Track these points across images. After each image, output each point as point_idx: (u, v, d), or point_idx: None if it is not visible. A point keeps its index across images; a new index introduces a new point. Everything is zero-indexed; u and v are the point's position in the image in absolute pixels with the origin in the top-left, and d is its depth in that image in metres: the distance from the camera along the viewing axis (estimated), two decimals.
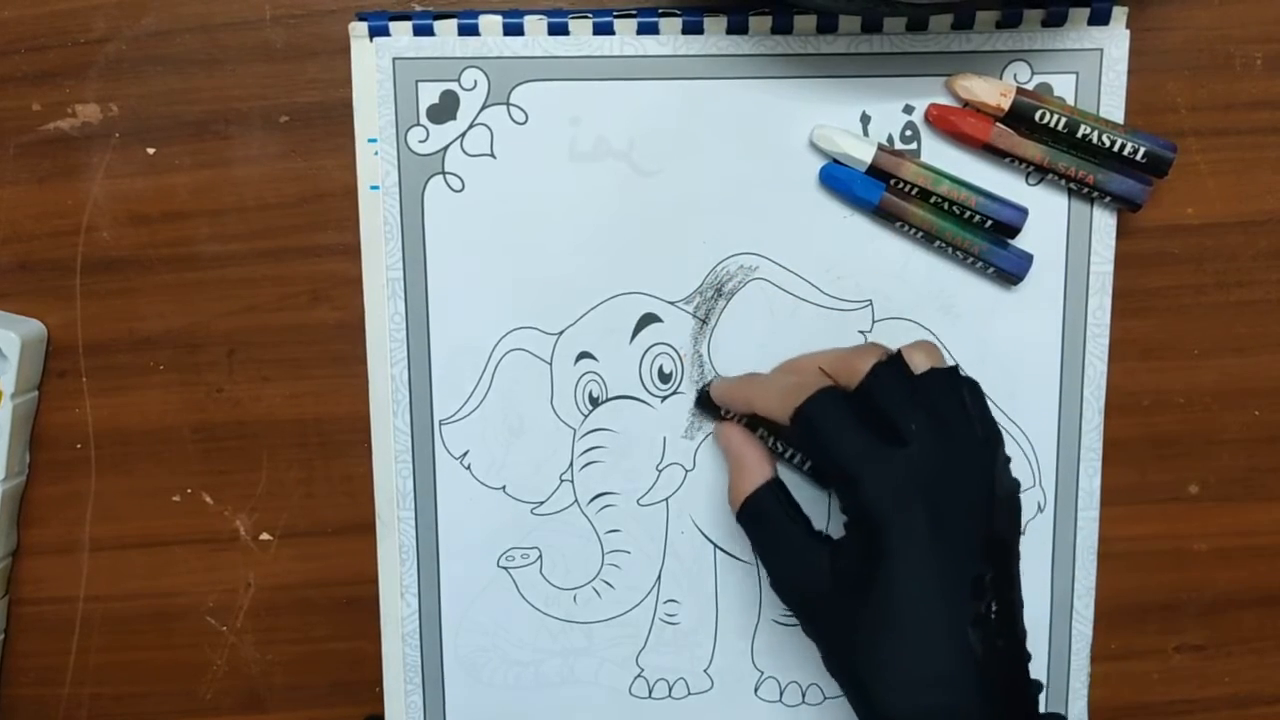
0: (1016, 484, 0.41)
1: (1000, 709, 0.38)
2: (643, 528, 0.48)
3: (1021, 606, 0.41)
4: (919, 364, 0.41)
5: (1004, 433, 0.41)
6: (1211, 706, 0.52)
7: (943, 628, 0.38)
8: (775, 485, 0.44)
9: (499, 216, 0.46)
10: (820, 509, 0.48)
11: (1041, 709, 0.43)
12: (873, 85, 0.45)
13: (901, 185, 0.45)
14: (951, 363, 0.42)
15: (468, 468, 0.48)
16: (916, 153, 0.46)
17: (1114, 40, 0.45)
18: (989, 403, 0.42)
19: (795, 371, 0.44)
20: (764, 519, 0.43)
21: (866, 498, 0.39)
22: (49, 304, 0.47)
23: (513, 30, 0.45)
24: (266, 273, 0.47)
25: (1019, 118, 0.45)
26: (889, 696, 0.38)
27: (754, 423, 0.46)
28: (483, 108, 0.45)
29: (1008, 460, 0.41)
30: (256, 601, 0.50)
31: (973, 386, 0.41)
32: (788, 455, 0.47)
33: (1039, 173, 0.46)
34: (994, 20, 0.45)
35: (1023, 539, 0.48)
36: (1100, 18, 0.45)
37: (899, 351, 0.41)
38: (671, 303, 0.47)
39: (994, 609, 0.38)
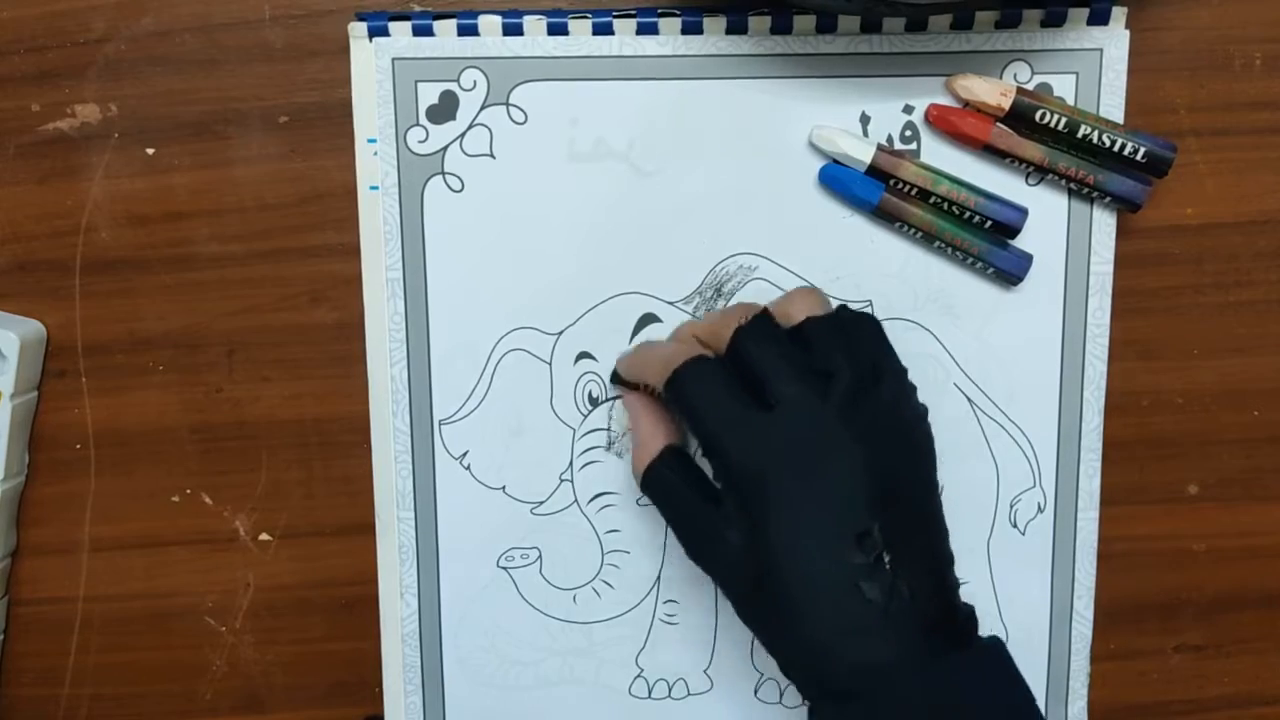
0: (922, 412, 0.40)
1: (922, 649, 0.37)
2: (642, 528, 0.48)
3: (936, 537, 0.40)
4: (794, 315, 0.41)
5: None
6: (1210, 707, 0.52)
7: (831, 587, 0.37)
8: (671, 454, 0.42)
9: (498, 217, 0.46)
10: None
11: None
12: (872, 85, 0.45)
13: (901, 185, 0.45)
14: (832, 306, 0.41)
15: (467, 468, 0.48)
16: (916, 153, 0.46)
17: (1114, 40, 0.45)
18: (886, 338, 0.41)
19: (677, 339, 0.44)
20: (663, 490, 0.42)
21: (731, 468, 0.39)
22: (48, 304, 0.47)
23: (512, 30, 0.45)
24: (266, 273, 0.47)
25: (1019, 118, 0.45)
26: (798, 659, 0.38)
27: None
28: (482, 108, 0.45)
29: (910, 391, 0.40)
30: (256, 602, 0.50)
31: (857, 323, 0.41)
32: None
33: (1039, 173, 0.46)
34: (993, 20, 0.45)
35: (1023, 539, 0.48)
36: (1100, 18, 0.45)
37: (765, 309, 0.41)
38: (671, 303, 0.47)
39: (886, 559, 0.37)
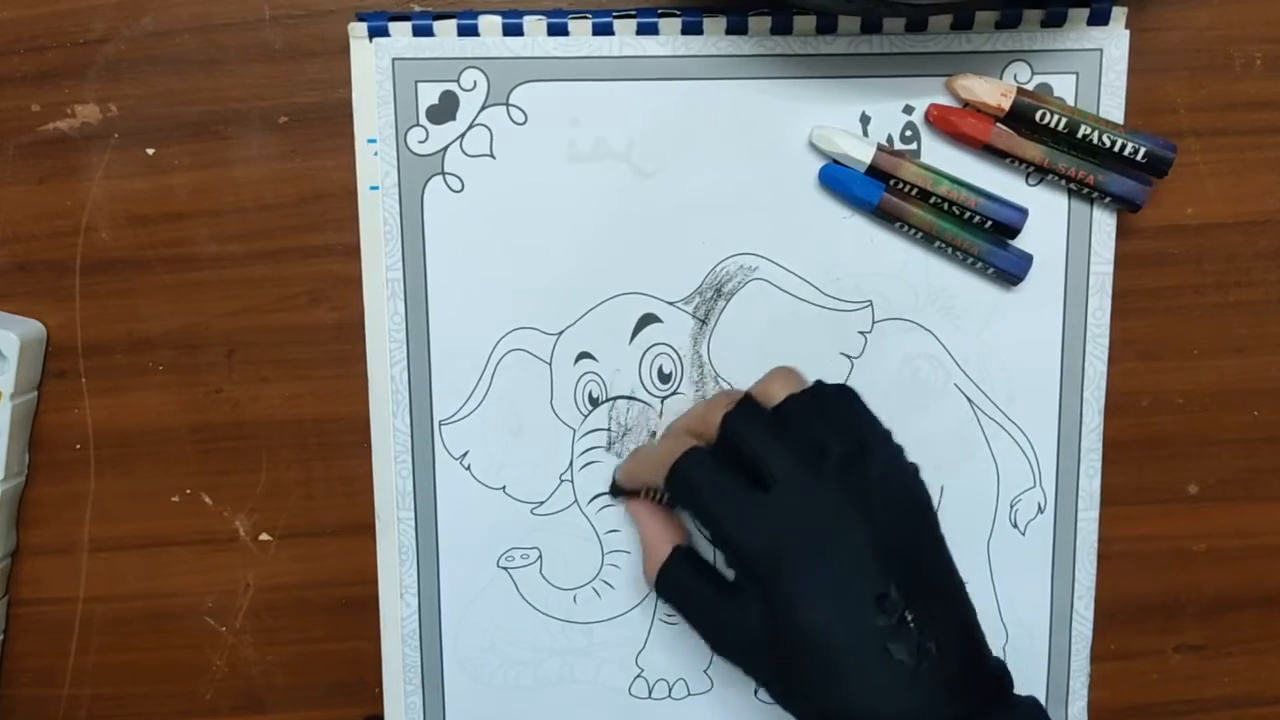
0: (913, 470, 0.41)
1: (958, 708, 0.37)
2: None
3: (957, 597, 0.40)
4: (775, 395, 0.41)
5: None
6: (1211, 707, 0.52)
7: (859, 652, 0.37)
8: (681, 554, 0.44)
9: (498, 217, 0.46)
10: None
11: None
12: (872, 86, 0.45)
13: (901, 186, 0.45)
14: (809, 382, 0.42)
15: (467, 468, 0.48)
16: (916, 153, 0.46)
17: (1114, 40, 0.45)
18: (864, 404, 0.42)
19: (667, 437, 0.45)
20: (678, 591, 0.43)
21: (740, 550, 0.39)
22: (48, 304, 0.47)
23: (512, 31, 0.45)
24: (266, 273, 0.47)
25: (1019, 118, 0.45)
26: None
27: None
28: (482, 108, 0.45)
29: (898, 452, 0.41)
30: (256, 602, 0.50)
31: (837, 396, 0.41)
32: None
33: (1039, 173, 0.46)
34: (994, 20, 0.45)
35: (1023, 539, 0.48)
36: (1100, 18, 0.45)
37: (747, 394, 0.42)
38: (671, 303, 0.47)
39: (909, 618, 0.37)
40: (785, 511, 0.39)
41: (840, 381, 0.43)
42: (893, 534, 0.39)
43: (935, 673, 0.37)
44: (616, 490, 0.48)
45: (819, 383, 0.42)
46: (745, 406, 0.41)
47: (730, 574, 0.42)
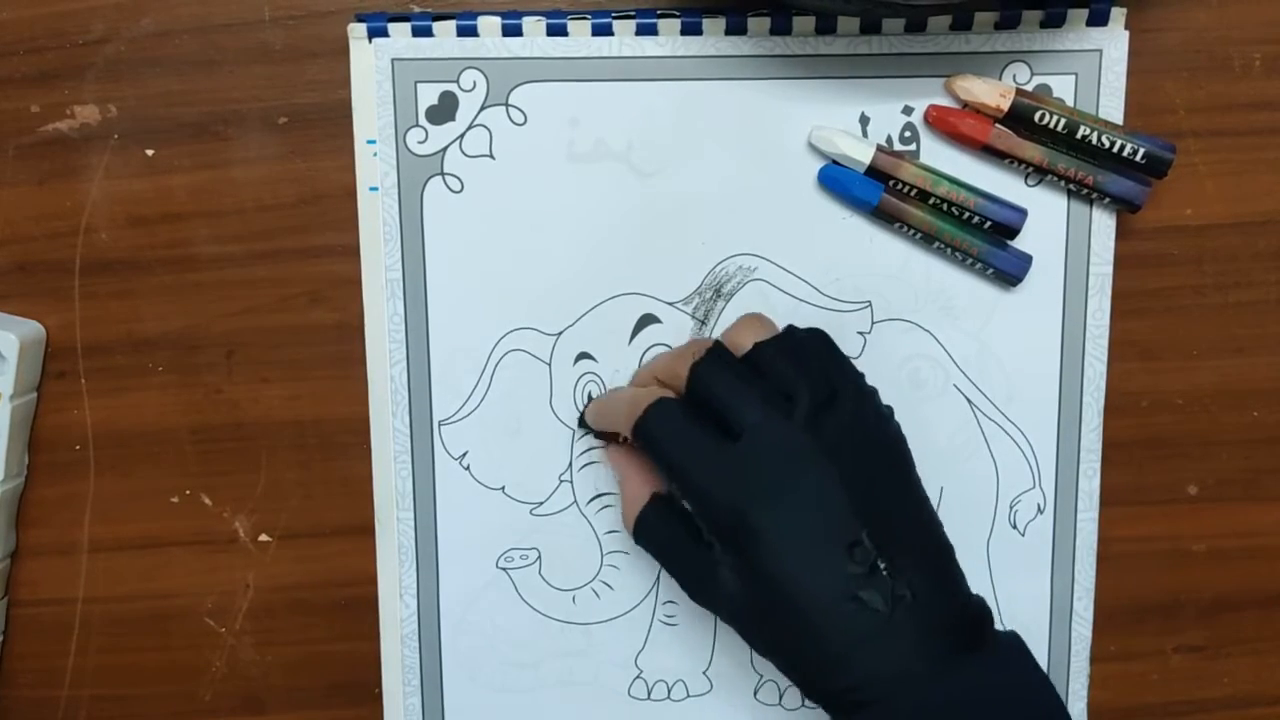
0: (886, 414, 0.41)
1: (938, 651, 0.37)
2: None
3: (929, 532, 0.40)
4: (744, 342, 0.41)
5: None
6: (1210, 707, 0.52)
7: (832, 601, 0.37)
8: (659, 501, 0.43)
9: (498, 217, 0.46)
10: None
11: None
12: (872, 86, 0.45)
13: (900, 186, 0.45)
14: (781, 328, 0.41)
15: (467, 468, 0.48)
16: (915, 154, 0.46)
17: (1113, 41, 0.45)
18: (837, 350, 0.42)
19: (639, 383, 0.44)
20: (655, 538, 0.43)
21: (709, 503, 0.39)
22: (48, 305, 0.47)
23: (511, 31, 0.45)
24: (265, 274, 0.47)
25: (1018, 119, 0.45)
26: (815, 681, 0.38)
27: None
28: (481, 109, 0.45)
29: (871, 395, 0.41)
30: (255, 603, 0.50)
31: (809, 340, 0.41)
32: None
33: (1038, 174, 0.46)
34: (993, 21, 0.45)
35: (1023, 540, 0.48)
36: (1099, 19, 0.45)
37: (716, 341, 0.41)
38: (670, 303, 0.47)
39: (882, 565, 0.37)
40: (754, 461, 0.38)
41: (814, 326, 0.43)
42: (864, 480, 0.38)
43: (911, 619, 0.37)
44: (586, 428, 0.47)
45: (790, 327, 0.42)
46: (713, 354, 0.41)
47: None
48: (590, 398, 0.47)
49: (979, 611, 0.39)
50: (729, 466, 0.39)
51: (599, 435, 0.47)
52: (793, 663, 0.39)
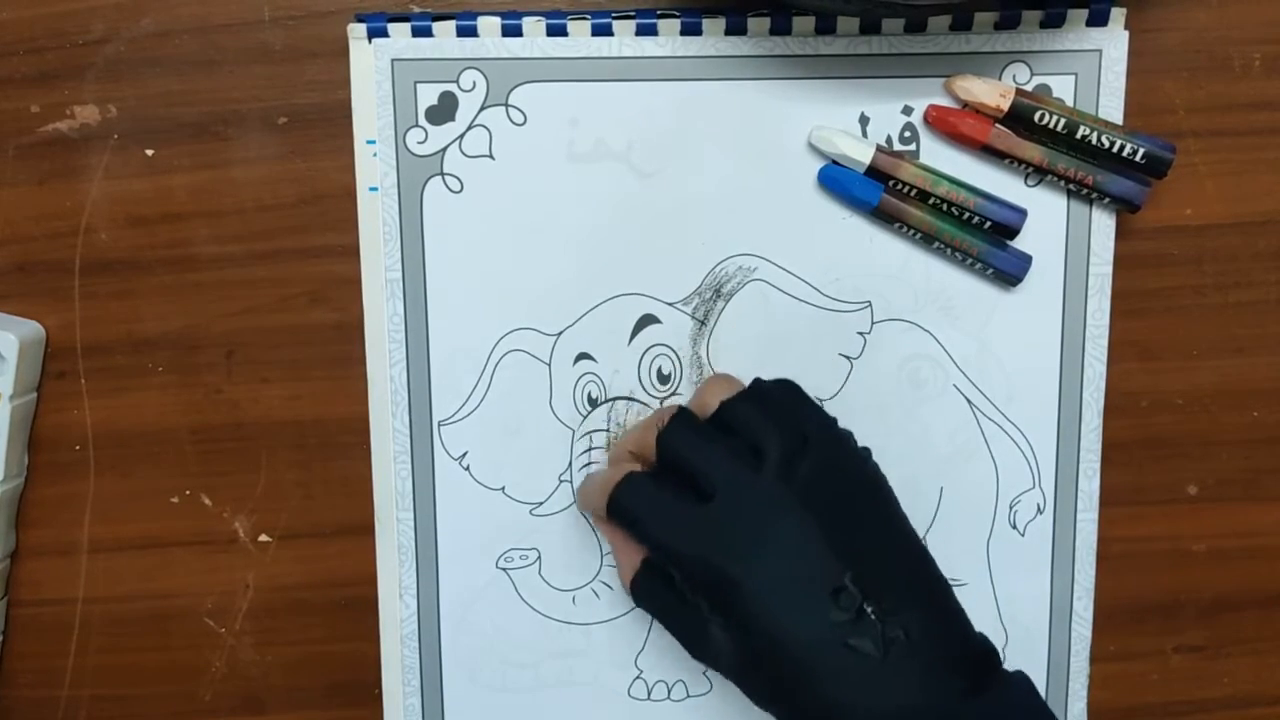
0: (862, 455, 0.40)
1: (940, 688, 0.37)
2: None
3: (925, 577, 0.39)
4: (710, 404, 0.41)
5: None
6: (1210, 707, 0.51)
7: (823, 651, 0.37)
8: (648, 567, 0.42)
9: (498, 218, 0.46)
10: None
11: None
12: (871, 86, 0.45)
13: (900, 186, 0.45)
14: (747, 382, 0.42)
15: (467, 468, 0.48)
16: (915, 154, 0.46)
17: (1113, 41, 0.45)
18: (808, 396, 0.42)
19: (613, 459, 0.44)
20: (651, 600, 0.42)
21: (690, 568, 0.39)
22: (47, 305, 0.47)
23: (511, 31, 0.45)
24: (265, 274, 0.47)
25: (1018, 119, 0.45)
26: None
27: None
28: (481, 109, 0.45)
29: (844, 439, 0.41)
30: (255, 603, 0.50)
31: (777, 392, 0.41)
32: None
33: (1038, 174, 0.46)
34: (993, 21, 0.45)
35: (1023, 540, 0.48)
36: (1099, 19, 0.45)
37: (681, 408, 0.41)
38: (670, 304, 0.47)
39: (869, 609, 0.37)
40: (727, 518, 0.38)
41: (782, 377, 0.43)
42: (845, 524, 0.38)
43: (908, 659, 0.37)
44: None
45: (756, 380, 0.42)
46: (678, 420, 0.41)
47: None
48: (590, 398, 0.47)
49: (982, 649, 0.39)
50: (703, 527, 0.39)
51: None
52: (792, 714, 0.39)
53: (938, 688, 0.37)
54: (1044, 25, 0.45)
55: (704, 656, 0.41)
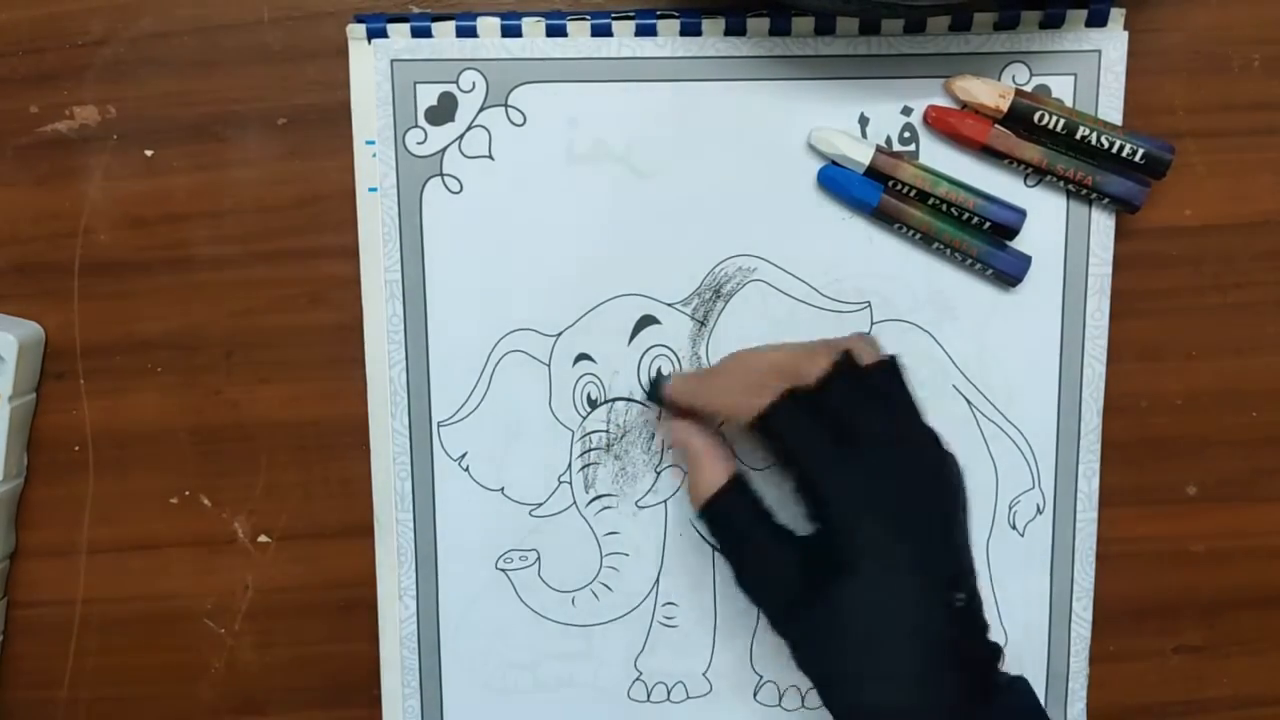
0: (953, 457, 0.41)
1: (968, 688, 0.38)
2: (641, 530, 0.48)
3: (975, 575, 0.41)
4: (865, 358, 0.41)
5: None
6: (1210, 708, 0.52)
7: (917, 629, 0.38)
8: (739, 485, 0.42)
9: (497, 218, 0.46)
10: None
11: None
12: (871, 87, 0.45)
13: (900, 187, 0.45)
14: (887, 351, 0.42)
15: (466, 469, 0.48)
16: (915, 154, 0.46)
17: (1112, 42, 0.45)
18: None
19: (748, 369, 0.43)
20: (728, 521, 0.42)
21: (835, 507, 0.39)
22: (47, 306, 0.47)
23: (511, 32, 0.45)
24: (264, 275, 0.47)
25: (1017, 119, 0.45)
26: (856, 697, 0.39)
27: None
28: (481, 109, 0.45)
29: (943, 441, 0.42)
30: (254, 604, 0.49)
31: (902, 370, 0.42)
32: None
33: (1037, 174, 0.46)
34: (992, 22, 0.45)
35: (1022, 540, 0.49)
36: (1098, 19, 0.45)
37: (847, 352, 0.41)
38: (670, 304, 0.47)
39: (962, 599, 0.39)
40: (885, 477, 0.39)
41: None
42: (961, 516, 0.40)
43: (960, 653, 0.38)
44: (656, 397, 0.46)
45: (894, 358, 0.42)
46: (849, 364, 0.41)
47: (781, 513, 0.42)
48: (590, 399, 0.47)
49: (995, 654, 0.40)
50: (863, 475, 0.39)
51: (669, 408, 0.46)
52: (837, 674, 0.39)
53: (969, 683, 0.38)
54: (1043, 26, 0.45)
55: (765, 592, 0.41)
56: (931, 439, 0.41)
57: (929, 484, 0.40)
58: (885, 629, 0.38)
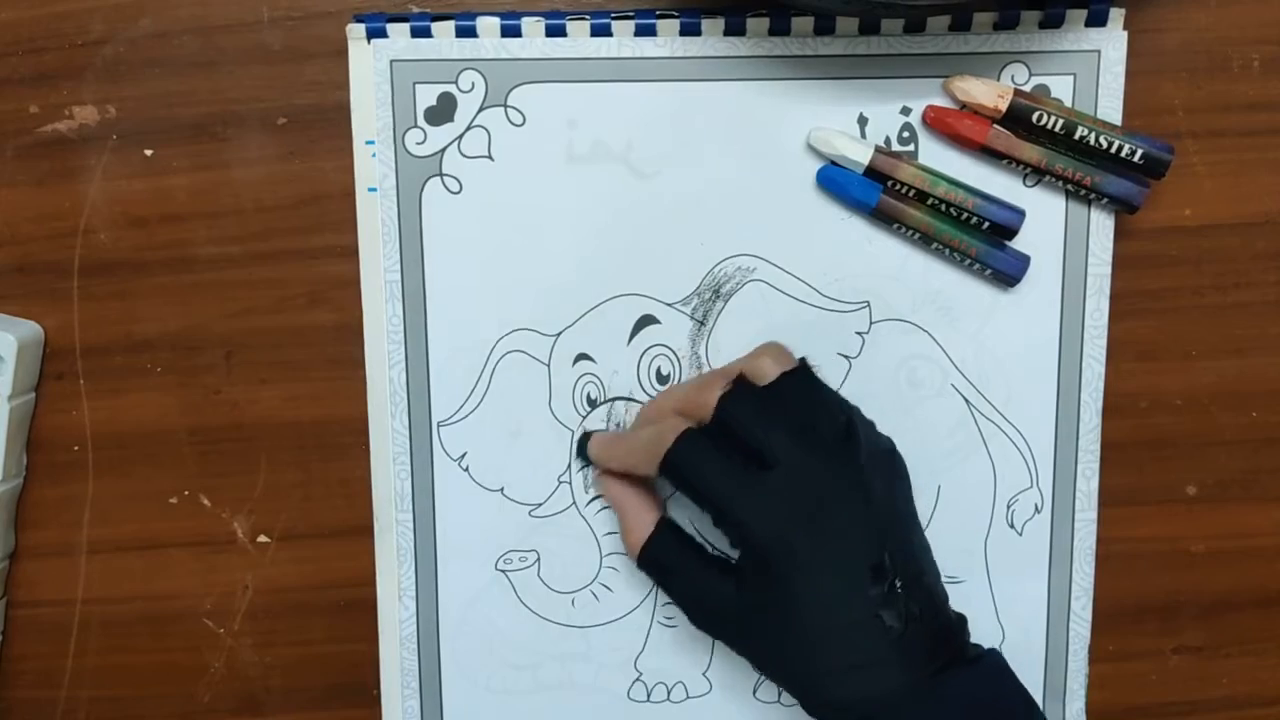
0: (888, 443, 0.42)
1: (930, 666, 0.39)
2: None
3: (926, 552, 0.42)
4: (767, 373, 0.42)
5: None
6: (1209, 708, 0.51)
7: (854, 624, 0.39)
8: (665, 528, 0.44)
9: (497, 218, 0.46)
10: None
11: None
12: (870, 87, 0.45)
13: (899, 187, 0.45)
14: (798, 358, 0.43)
15: (466, 469, 0.48)
16: (914, 154, 0.46)
17: (1111, 42, 0.45)
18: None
19: (654, 419, 0.45)
20: (662, 564, 0.44)
21: (748, 531, 0.40)
22: (46, 306, 0.47)
23: (510, 32, 0.45)
24: (264, 275, 0.47)
25: (1016, 119, 0.45)
26: (822, 696, 0.40)
27: None
28: (480, 110, 0.45)
29: (870, 426, 0.42)
30: (254, 604, 0.49)
31: (817, 374, 0.43)
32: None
33: (1036, 174, 0.46)
34: (991, 22, 0.45)
35: (1021, 540, 0.48)
36: (1098, 19, 0.45)
37: (741, 374, 0.42)
38: (669, 304, 0.47)
39: (898, 584, 0.39)
40: (791, 491, 0.40)
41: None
42: (884, 503, 0.40)
43: (917, 635, 0.39)
44: (585, 459, 0.47)
45: (804, 360, 0.43)
46: (743, 387, 0.42)
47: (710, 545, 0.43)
48: (589, 399, 0.47)
49: (959, 624, 0.41)
50: (766, 495, 0.40)
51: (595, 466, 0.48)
52: (799, 678, 0.40)
53: (933, 663, 0.39)
54: (1043, 26, 0.45)
55: (712, 621, 0.42)
56: (845, 433, 0.41)
57: (843, 479, 0.40)
58: (823, 631, 0.39)
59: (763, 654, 0.41)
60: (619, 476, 0.46)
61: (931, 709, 0.39)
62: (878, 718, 0.39)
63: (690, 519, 0.47)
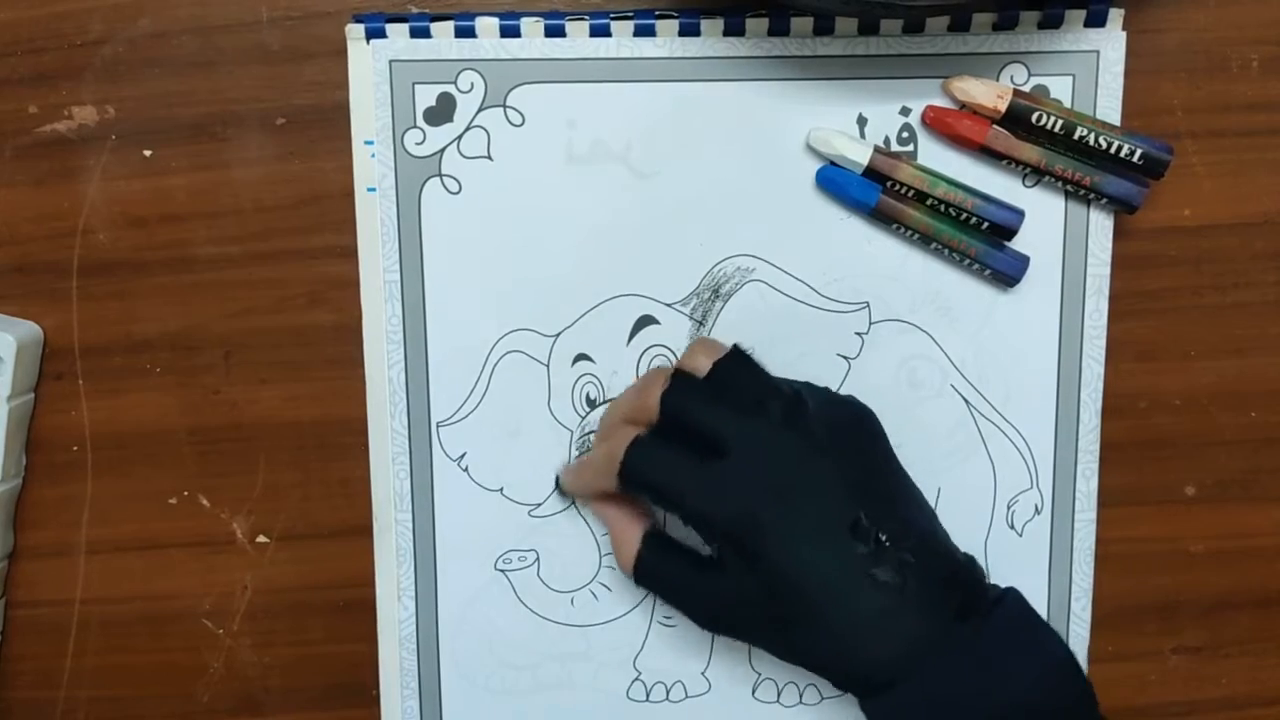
0: (847, 398, 0.42)
1: (945, 612, 0.39)
2: None
3: (913, 501, 0.41)
4: (703, 365, 0.42)
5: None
6: (1209, 708, 0.51)
7: (847, 585, 0.38)
8: (651, 540, 0.43)
9: (496, 219, 0.46)
10: None
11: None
12: (869, 87, 0.45)
13: (898, 187, 0.45)
14: (728, 345, 0.42)
15: (465, 470, 0.48)
16: (913, 155, 0.46)
17: (1111, 42, 0.45)
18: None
19: (607, 435, 0.45)
20: (656, 576, 0.43)
21: (711, 519, 0.40)
22: (45, 306, 0.47)
23: (510, 32, 0.45)
24: (263, 275, 0.47)
25: (1015, 120, 0.45)
26: (843, 667, 0.39)
27: None
28: (479, 110, 0.45)
29: (825, 392, 0.42)
30: (253, 604, 0.49)
31: (752, 355, 0.42)
32: None
33: (1035, 175, 0.46)
34: (991, 22, 0.45)
35: (1020, 540, 0.48)
36: (1097, 20, 0.45)
37: (677, 369, 0.42)
38: (668, 305, 0.47)
39: (883, 538, 0.38)
40: (748, 472, 0.39)
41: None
42: (849, 463, 0.40)
43: (920, 582, 0.38)
44: (564, 495, 0.48)
45: (737, 345, 0.43)
46: (681, 380, 0.42)
47: (703, 546, 0.42)
48: (589, 399, 0.47)
49: (971, 567, 0.41)
50: (723, 481, 0.40)
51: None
52: (819, 657, 0.40)
53: (946, 607, 0.39)
54: (1042, 26, 0.45)
55: (722, 622, 0.42)
56: (793, 405, 0.40)
57: (799, 448, 0.40)
58: (819, 601, 0.39)
59: (775, 640, 0.41)
60: (603, 498, 0.45)
61: (957, 659, 0.38)
62: (908, 675, 0.38)
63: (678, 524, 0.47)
